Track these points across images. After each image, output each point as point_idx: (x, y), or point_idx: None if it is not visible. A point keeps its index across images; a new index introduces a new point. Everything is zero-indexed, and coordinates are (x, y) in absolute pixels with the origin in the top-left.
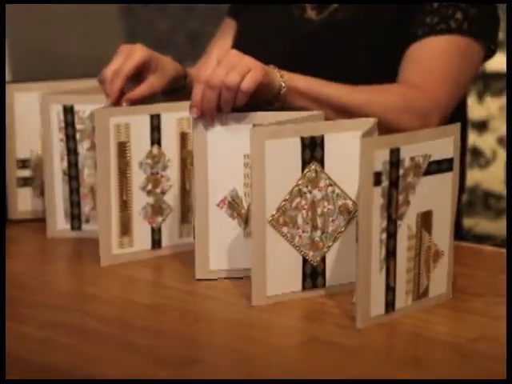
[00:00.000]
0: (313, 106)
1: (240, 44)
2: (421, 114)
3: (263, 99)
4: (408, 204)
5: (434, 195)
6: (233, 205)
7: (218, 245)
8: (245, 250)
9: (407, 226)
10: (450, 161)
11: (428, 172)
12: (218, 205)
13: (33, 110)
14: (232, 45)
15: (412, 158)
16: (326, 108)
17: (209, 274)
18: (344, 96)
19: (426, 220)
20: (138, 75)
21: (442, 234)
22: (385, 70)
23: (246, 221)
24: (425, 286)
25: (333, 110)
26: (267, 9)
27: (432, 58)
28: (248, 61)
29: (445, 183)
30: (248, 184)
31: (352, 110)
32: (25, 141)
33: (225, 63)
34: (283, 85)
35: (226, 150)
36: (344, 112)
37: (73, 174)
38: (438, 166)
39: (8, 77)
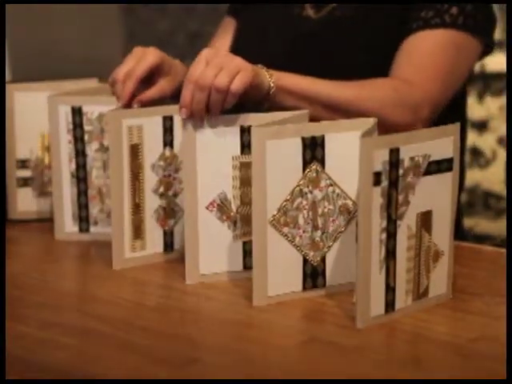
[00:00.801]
0: (303, 104)
1: (239, 43)
2: (412, 107)
3: (253, 100)
4: (408, 204)
5: (433, 195)
6: (222, 208)
7: (208, 248)
8: (235, 254)
9: (407, 225)
10: (449, 161)
11: (428, 172)
12: (207, 208)
13: (33, 109)
14: (231, 43)
15: (412, 158)
16: (316, 106)
17: (199, 278)
18: (334, 92)
19: (425, 220)
20: (149, 78)
21: (441, 234)
22: (384, 70)
23: (235, 223)
24: (425, 286)
25: (323, 108)
26: (266, 8)
27: (426, 52)
28: (237, 62)
29: (444, 183)
30: (236, 186)
31: (343, 107)
32: (25, 141)
33: (214, 64)
34: (272, 85)
35: (215, 151)
36: (335, 109)
37: (81, 176)
38: (438, 166)
39: (8, 77)
